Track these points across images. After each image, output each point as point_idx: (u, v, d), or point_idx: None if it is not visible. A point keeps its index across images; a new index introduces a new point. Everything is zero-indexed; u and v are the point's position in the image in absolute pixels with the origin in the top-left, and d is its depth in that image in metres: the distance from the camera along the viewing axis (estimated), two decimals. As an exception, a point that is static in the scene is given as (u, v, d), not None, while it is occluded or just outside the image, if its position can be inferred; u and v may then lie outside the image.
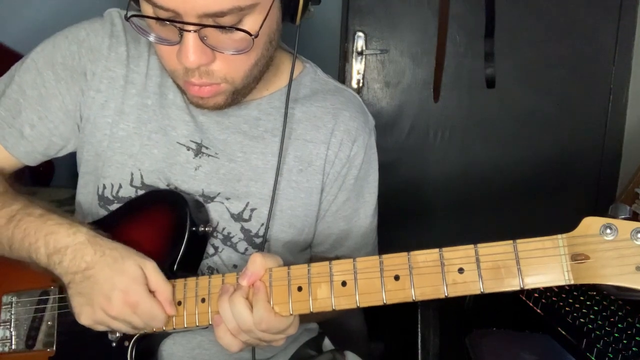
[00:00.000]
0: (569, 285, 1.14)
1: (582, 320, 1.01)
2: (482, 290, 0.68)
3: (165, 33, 0.79)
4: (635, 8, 2.48)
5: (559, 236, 0.66)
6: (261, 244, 0.96)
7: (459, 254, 0.69)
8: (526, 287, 0.67)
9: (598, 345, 0.93)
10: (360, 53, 2.54)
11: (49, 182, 2.18)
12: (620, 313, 1.04)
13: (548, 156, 2.55)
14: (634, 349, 0.91)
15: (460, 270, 0.69)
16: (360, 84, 2.56)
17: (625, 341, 0.94)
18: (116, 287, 0.79)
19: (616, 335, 0.96)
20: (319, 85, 1.02)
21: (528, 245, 0.67)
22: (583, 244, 0.65)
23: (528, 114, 2.54)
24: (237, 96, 0.88)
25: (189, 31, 0.76)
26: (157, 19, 0.77)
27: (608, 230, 0.64)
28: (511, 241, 0.68)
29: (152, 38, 0.80)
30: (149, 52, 0.95)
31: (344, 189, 1.01)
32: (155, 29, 0.80)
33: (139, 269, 0.80)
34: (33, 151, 0.97)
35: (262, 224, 0.95)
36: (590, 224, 0.65)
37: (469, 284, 0.69)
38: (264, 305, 0.75)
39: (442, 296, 0.70)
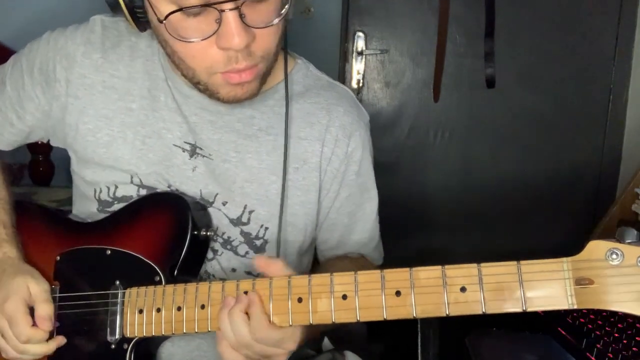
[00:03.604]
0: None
1: (582, 320, 1.01)
2: (483, 311, 0.67)
3: (197, 28, 0.77)
4: (635, 8, 2.48)
5: (564, 259, 0.65)
6: (262, 246, 0.95)
7: (461, 272, 0.68)
8: (528, 310, 0.66)
9: (598, 345, 0.93)
10: (360, 53, 2.54)
11: (49, 182, 2.18)
12: (620, 313, 1.04)
13: (548, 156, 2.55)
14: (634, 349, 0.91)
15: (463, 289, 0.68)
16: (360, 84, 2.56)
17: (625, 341, 0.94)
18: None
19: (616, 335, 0.96)
20: (312, 82, 1.01)
21: (532, 267, 0.66)
22: (588, 269, 0.64)
23: (528, 114, 2.54)
24: (263, 81, 0.88)
25: (231, 9, 0.74)
26: (194, 7, 0.74)
27: (614, 256, 0.63)
28: (515, 262, 0.67)
29: (194, 39, 0.78)
30: (130, 56, 0.95)
31: (345, 186, 1.00)
32: (187, 28, 0.77)
33: (24, 284, 0.86)
34: (14, 142, 1.03)
35: (262, 225, 0.95)
36: (596, 248, 0.64)
37: (471, 304, 0.68)
38: (259, 316, 0.75)
39: (444, 315, 0.69)
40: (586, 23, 2.49)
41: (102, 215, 0.95)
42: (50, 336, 0.88)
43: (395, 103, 2.59)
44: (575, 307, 0.64)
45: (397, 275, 0.71)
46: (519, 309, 0.66)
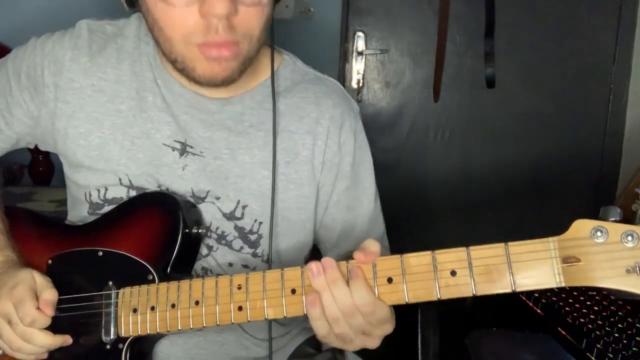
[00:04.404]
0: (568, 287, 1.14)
1: (582, 320, 1.01)
2: (474, 293, 0.69)
3: None
4: (635, 8, 2.48)
5: (550, 239, 0.66)
6: (256, 241, 0.95)
7: (451, 257, 0.70)
8: (517, 290, 0.67)
9: (598, 345, 0.93)
10: (360, 53, 2.54)
11: (49, 182, 2.18)
12: (620, 313, 1.04)
13: (548, 156, 2.55)
14: (634, 349, 0.91)
15: (453, 273, 0.69)
16: (360, 84, 2.56)
17: (625, 341, 0.94)
18: (5, 285, 0.87)
19: (616, 335, 0.96)
20: (300, 76, 1.01)
21: (520, 248, 0.67)
22: (574, 247, 0.65)
23: (528, 114, 2.54)
24: (244, 66, 0.87)
25: None
26: None
27: (598, 233, 0.64)
28: (503, 244, 0.68)
29: (177, 3, 0.79)
30: (117, 59, 0.95)
31: (341, 178, 1.00)
32: None
33: (30, 275, 0.88)
34: (1, 149, 1.02)
35: (255, 220, 0.95)
36: (581, 226, 0.65)
37: (461, 287, 0.69)
38: (363, 283, 0.72)
39: (435, 299, 0.70)
40: (586, 23, 2.49)
41: (93, 218, 0.95)
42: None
43: (395, 103, 2.59)
44: (563, 285, 0.65)
45: (389, 264, 0.72)
46: (508, 290, 0.67)
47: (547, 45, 2.49)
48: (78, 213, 0.99)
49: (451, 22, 2.46)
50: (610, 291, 1.15)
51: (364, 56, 2.55)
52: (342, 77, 2.53)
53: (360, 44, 2.53)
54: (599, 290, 1.13)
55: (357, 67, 2.55)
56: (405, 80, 2.56)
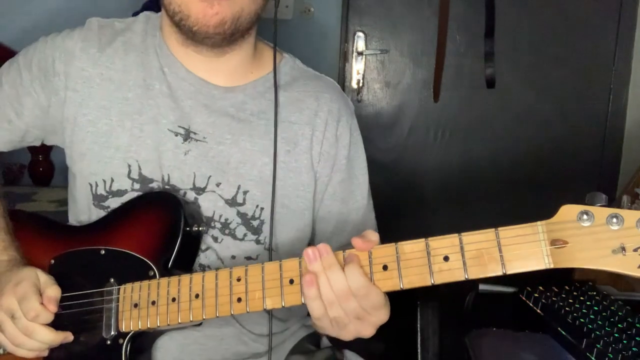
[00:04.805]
0: (568, 285, 1.14)
1: (582, 320, 1.01)
2: (466, 277, 0.71)
3: None
4: (635, 8, 2.48)
5: (538, 223, 0.69)
6: (259, 227, 0.97)
7: (444, 243, 0.72)
8: (508, 272, 0.69)
9: (598, 345, 0.93)
10: (360, 53, 2.54)
11: (49, 182, 2.18)
12: (620, 313, 1.04)
13: (548, 156, 2.56)
14: (634, 349, 0.91)
15: (446, 259, 0.71)
16: (360, 84, 2.57)
17: (625, 341, 0.94)
18: (10, 282, 0.88)
19: (616, 335, 0.96)
20: (299, 73, 1.06)
21: (509, 232, 0.70)
22: (561, 230, 0.67)
23: (528, 114, 2.54)
24: (238, 23, 0.90)
25: None
26: None
27: (585, 217, 0.66)
28: (493, 229, 0.71)
29: None
30: (124, 50, 0.99)
31: (337, 170, 1.03)
32: None
33: (34, 272, 0.89)
34: (10, 142, 1.04)
35: (257, 206, 0.97)
36: (568, 211, 0.67)
37: (454, 272, 0.71)
38: (357, 268, 0.73)
39: (429, 284, 0.72)
40: (586, 23, 2.49)
41: (97, 210, 0.97)
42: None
43: (395, 103, 2.59)
44: (552, 266, 0.67)
45: (384, 251, 0.74)
46: (499, 273, 0.69)
47: (547, 45, 2.49)
48: (80, 207, 1.00)
49: (451, 22, 2.46)
50: (610, 291, 1.14)
51: (364, 56, 2.55)
52: (342, 77, 2.54)
53: (360, 44, 2.54)
54: (599, 290, 1.13)
55: (357, 67, 2.56)
56: (405, 80, 2.57)
